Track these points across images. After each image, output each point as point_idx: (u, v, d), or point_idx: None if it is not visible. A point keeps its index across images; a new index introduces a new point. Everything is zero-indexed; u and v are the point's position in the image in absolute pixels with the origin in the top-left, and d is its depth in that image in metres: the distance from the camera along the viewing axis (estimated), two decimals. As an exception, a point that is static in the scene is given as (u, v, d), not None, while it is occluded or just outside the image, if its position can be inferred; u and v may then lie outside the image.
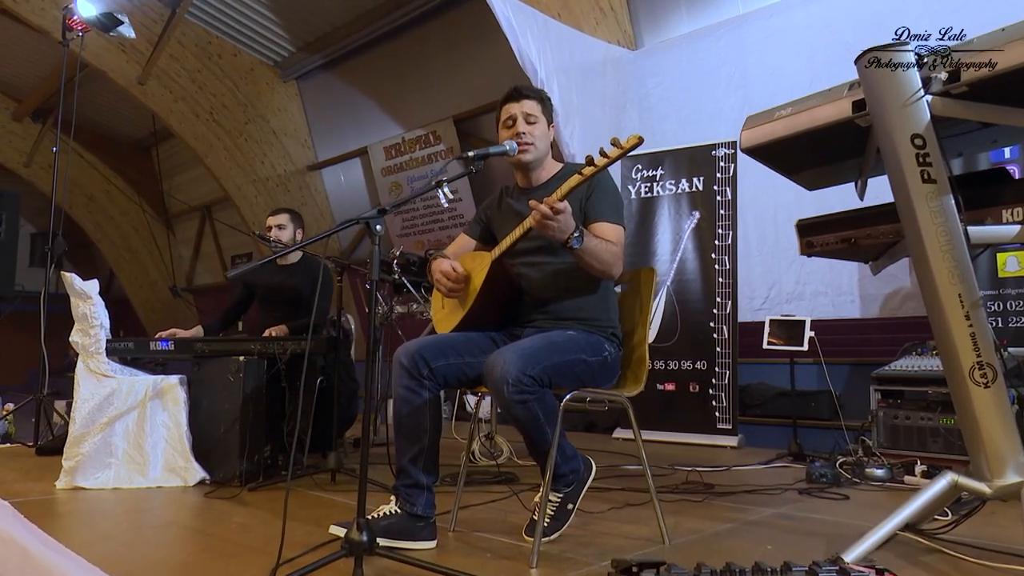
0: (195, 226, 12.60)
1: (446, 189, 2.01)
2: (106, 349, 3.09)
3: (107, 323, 3.15)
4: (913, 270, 4.80)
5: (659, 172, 5.20)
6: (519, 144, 2.26)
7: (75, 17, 4.32)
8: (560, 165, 2.40)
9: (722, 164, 4.95)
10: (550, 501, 2.13)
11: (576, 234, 1.97)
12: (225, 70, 9.40)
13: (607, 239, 2.12)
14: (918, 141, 1.79)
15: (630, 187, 5.30)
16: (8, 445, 4.16)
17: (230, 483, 3.03)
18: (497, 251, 2.19)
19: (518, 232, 2.13)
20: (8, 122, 11.72)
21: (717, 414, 4.75)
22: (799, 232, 2.30)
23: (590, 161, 1.92)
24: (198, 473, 3.07)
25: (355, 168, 9.58)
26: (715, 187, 4.96)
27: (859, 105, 1.91)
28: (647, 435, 4.90)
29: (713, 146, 5.02)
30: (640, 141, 1.88)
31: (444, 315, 2.35)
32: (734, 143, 4.90)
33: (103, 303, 3.21)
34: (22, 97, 11.28)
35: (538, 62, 5.21)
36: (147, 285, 13.81)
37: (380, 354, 4.17)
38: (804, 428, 4.38)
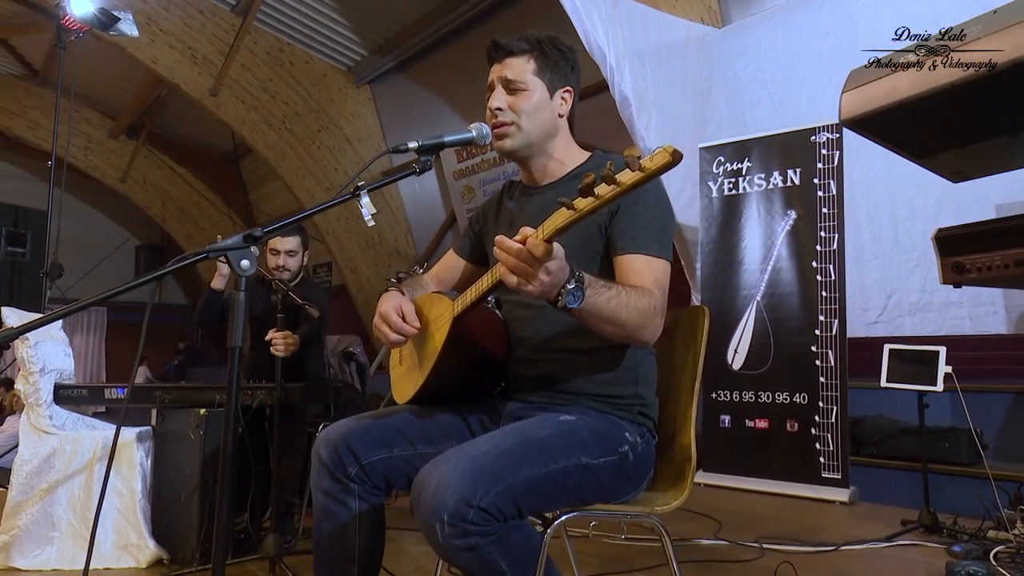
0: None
1: (366, 199, 1.33)
2: (57, 397, 2.60)
3: (60, 365, 2.66)
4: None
5: (746, 164, 4.35)
6: (492, 126, 1.53)
7: (69, 16, 3.96)
8: (586, 154, 1.60)
9: (824, 152, 4.05)
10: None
11: (571, 286, 1.18)
12: (297, 77, 9.28)
13: (639, 284, 1.34)
14: None
15: (710, 183, 4.47)
16: None
17: (189, 564, 2.46)
18: (459, 305, 1.42)
19: (486, 282, 1.34)
20: (105, 140, 12.14)
21: (822, 460, 3.86)
22: (941, 248, 1.46)
23: (587, 190, 1.06)
24: (154, 552, 2.51)
25: (428, 173, 9.22)
26: (815, 180, 4.06)
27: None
28: (733, 481, 4.08)
29: (812, 131, 4.12)
30: (674, 159, 1.00)
31: (401, 374, 1.64)
32: (839, 126, 3.99)
33: (63, 340, 2.73)
34: (117, 115, 11.59)
35: (606, 45, 4.59)
36: (236, 296, 13.98)
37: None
38: (936, 475, 3.46)
